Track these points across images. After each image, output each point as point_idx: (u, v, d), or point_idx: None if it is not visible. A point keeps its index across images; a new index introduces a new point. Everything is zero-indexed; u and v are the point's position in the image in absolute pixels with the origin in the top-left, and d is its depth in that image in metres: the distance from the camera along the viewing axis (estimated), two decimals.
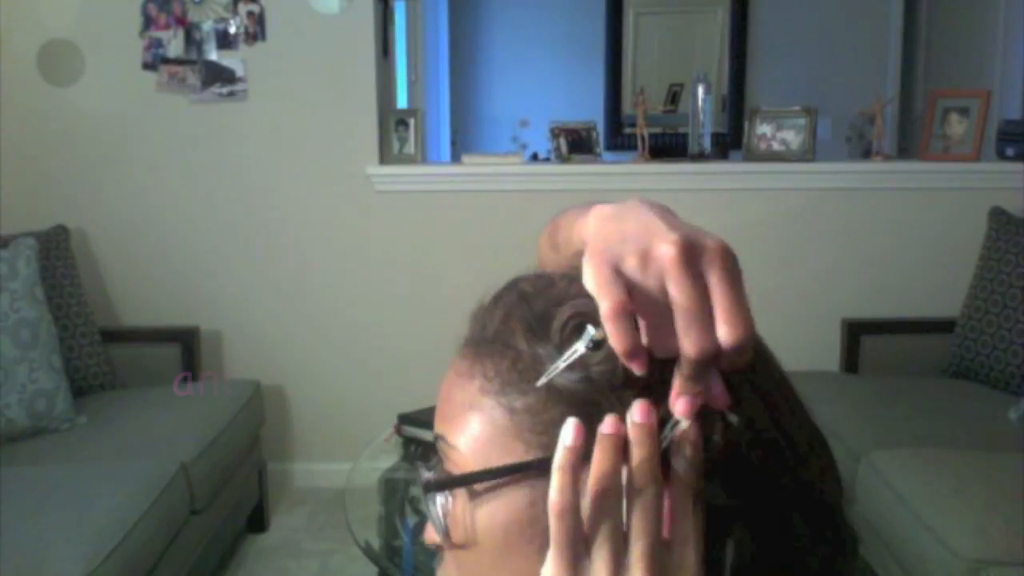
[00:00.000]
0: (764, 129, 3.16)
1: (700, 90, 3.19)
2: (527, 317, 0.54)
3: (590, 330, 0.49)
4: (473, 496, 0.52)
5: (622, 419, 0.48)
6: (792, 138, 3.14)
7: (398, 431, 2.38)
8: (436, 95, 4.91)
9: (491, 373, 0.53)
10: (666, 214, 0.50)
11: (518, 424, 0.52)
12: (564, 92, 4.98)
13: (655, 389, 0.49)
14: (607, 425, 0.48)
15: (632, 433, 0.47)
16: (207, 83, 3.08)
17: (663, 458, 0.47)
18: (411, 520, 2.22)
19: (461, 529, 0.53)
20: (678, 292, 0.46)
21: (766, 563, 0.50)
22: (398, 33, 3.91)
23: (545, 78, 5.04)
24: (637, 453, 0.47)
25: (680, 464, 0.47)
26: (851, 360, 2.97)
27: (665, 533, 0.47)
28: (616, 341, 0.46)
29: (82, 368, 2.76)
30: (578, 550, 0.46)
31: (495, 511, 0.51)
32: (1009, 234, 2.75)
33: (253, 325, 3.22)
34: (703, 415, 0.48)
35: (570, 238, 0.59)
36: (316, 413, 3.26)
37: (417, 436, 2.32)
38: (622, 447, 0.47)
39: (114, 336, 2.95)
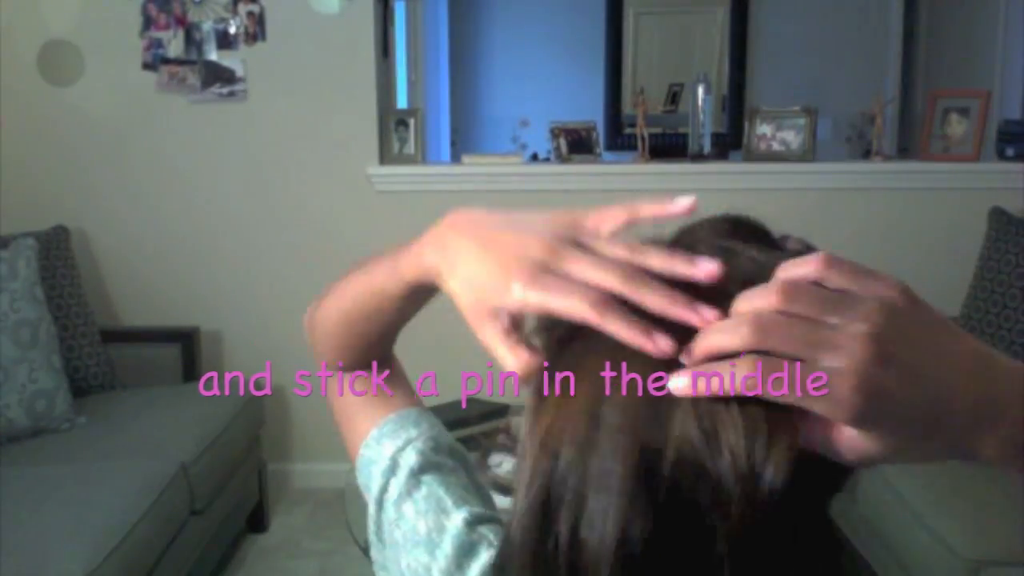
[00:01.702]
0: (764, 129, 3.16)
1: (700, 90, 3.19)
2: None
3: None
4: None
5: None
6: (792, 138, 3.14)
7: None
8: (436, 95, 4.91)
9: None
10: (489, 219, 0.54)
11: None
12: (564, 92, 4.98)
13: None
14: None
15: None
16: (207, 83, 3.08)
17: None
18: None
19: None
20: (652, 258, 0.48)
21: None
22: (398, 33, 3.90)
23: (545, 78, 5.04)
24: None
25: None
26: None
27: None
28: (622, 333, 0.45)
29: (82, 368, 2.76)
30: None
31: None
32: (1009, 234, 2.74)
33: (253, 325, 3.21)
34: None
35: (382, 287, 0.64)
36: (316, 413, 3.26)
37: None
38: None
39: (114, 336, 2.95)
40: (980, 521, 1.89)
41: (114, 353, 2.88)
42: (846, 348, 0.41)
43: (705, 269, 0.46)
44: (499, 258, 0.51)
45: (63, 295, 2.77)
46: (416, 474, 0.70)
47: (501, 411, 2.39)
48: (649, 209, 0.53)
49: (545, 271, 0.48)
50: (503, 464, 2.05)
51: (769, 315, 0.42)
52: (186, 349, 2.98)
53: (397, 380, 0.78)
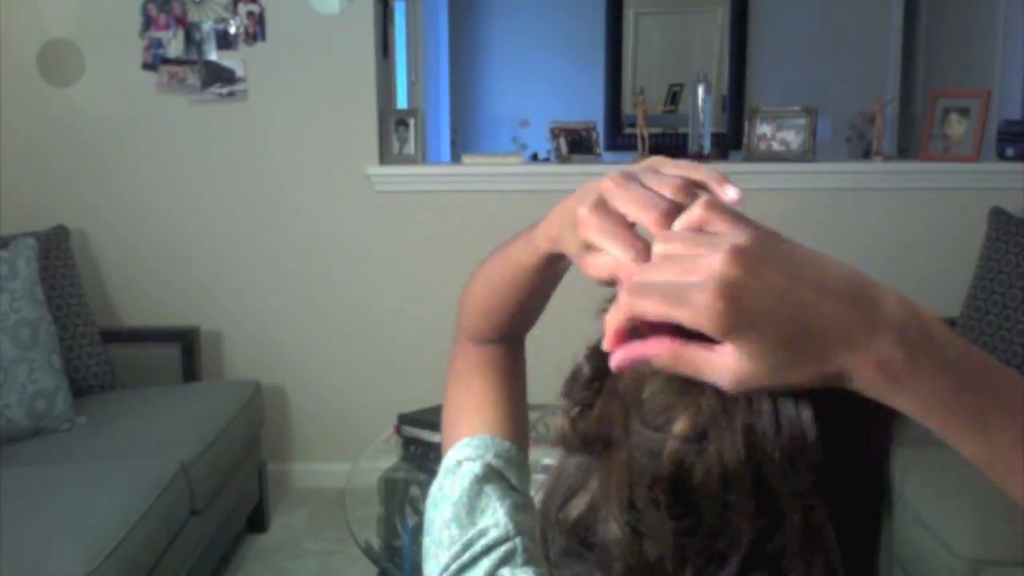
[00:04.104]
0: (764, 129, 3.16)
1: (700, 90, 3.19)
2: None
3: None
4: None
5: None
6: (792, 138, 3.14)
7: (398, 431, 2.38)
8: (436, 95, 4.91)
9: None
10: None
11: None
12: (564, 92, 4.98)
13: None
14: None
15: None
16: (207, 83, 3.08)
17: None
18: (411, 520, 2.22)
19: None
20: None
21: None
22: (398, 33, 3.91)
23: (545, 78, 5.04)
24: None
25: None
26: None
27: None
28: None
29: (82, 368, 2.76)
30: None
31: None
32: (1009, 234, 2.74)
33: (253, 325, 3.22)
34: None
35: (523, 249, 0.68)
36: (316, 413, 3.26)
37: (417, 436, 2.32)
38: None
39: (114, 336, 2.95)
40: (980, 521, 1.89)
41: (114, 353, 2.87)
42: (708, 264, 0.44)
43: (729, 194, 0.54)
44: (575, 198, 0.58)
45: (63, 295, 2.77)
46: (480, 481, 0.72)
47: None
48: (704, 178, 0.57)
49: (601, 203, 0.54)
50: None
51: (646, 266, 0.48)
52: (186, 349, 2.98)
53: (514, 399, 0.80)
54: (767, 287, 0.44)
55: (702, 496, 0.47)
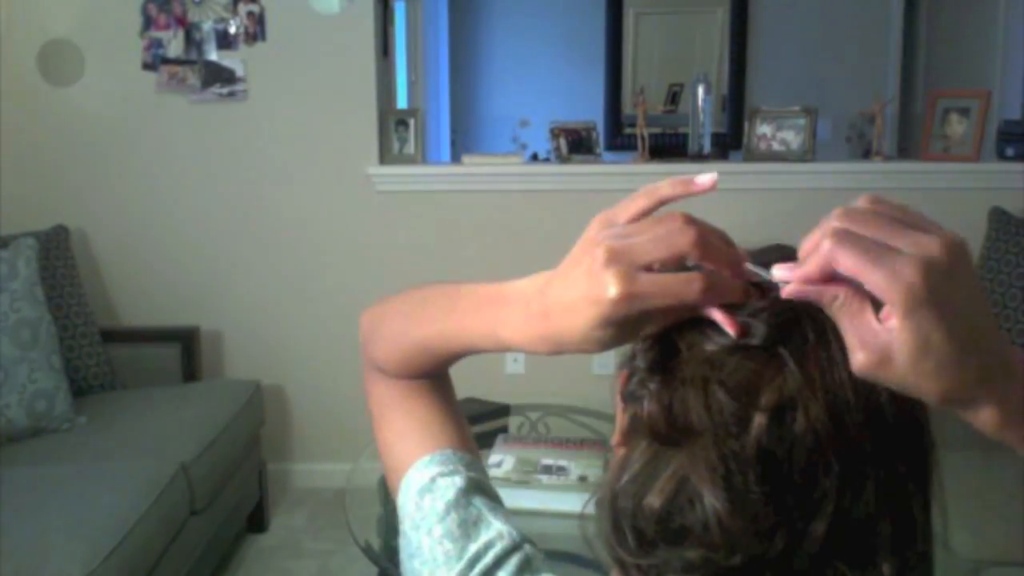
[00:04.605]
0: (764, 129, 3.16)
1: (700, 90, 3.19)
2: None
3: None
4: None
5: None
6: (792, 138, 3.14)
7: None
8: (436, 95, 4.91)
9: None
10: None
11: None
12: (564, 92, 4.98)
13: None
14: None
15: None
16: (207, 83, 3.08)
17: None
18: None
19: None
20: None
21: None
22: (398, 33, 3.91)
23: (545, 78, 5.04)
24: None
25: None
26: None
27: None
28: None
29: (82, 368, 2.76)
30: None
31: None
32: (1009, 234, 2.74)
33: (253, 325, 3.22)
34: None
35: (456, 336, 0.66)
36: (316, 413, 3.26)
37: None
38: None
39: (114, 336, 2.95)
40: (980, 521, 1.89)
41: (114, 353, 2.88)
42: (921, 241, 0.45)
43: (702, 182, 0.56)
44: (575, 272, 0.55)
45: (63, 295, 2.77)
46: (466, 493, 0.70)
47: (501, 411, 2.39)
48: (669, 189, 0.59)
49: (623, 265, 0.53)
50: (503, 463, 2.05)
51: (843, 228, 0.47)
52: (186, 349, 2.98)
53: (456, 415, 0.79)
54: (962, 287, 0.45)
55: (791, 465, 0.50)
